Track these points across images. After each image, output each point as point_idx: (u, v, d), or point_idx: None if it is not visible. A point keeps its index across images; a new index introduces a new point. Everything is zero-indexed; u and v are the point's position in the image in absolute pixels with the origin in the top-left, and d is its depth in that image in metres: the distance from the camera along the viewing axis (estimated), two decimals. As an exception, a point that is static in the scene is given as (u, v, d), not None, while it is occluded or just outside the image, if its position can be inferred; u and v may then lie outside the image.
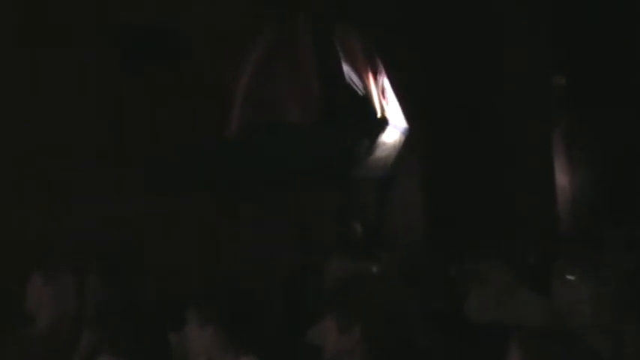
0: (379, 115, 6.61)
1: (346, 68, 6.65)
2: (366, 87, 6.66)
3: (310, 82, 6.50)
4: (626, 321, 3.76)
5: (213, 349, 3.64)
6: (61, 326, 5.75)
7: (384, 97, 6.72)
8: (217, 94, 7.07)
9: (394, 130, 6.77)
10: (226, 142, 6.73)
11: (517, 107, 8.96)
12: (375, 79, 6.79)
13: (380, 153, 6.76)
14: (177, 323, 3.89)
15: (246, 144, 6.65)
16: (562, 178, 9.82)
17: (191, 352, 3.77)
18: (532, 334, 2.65)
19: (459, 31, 7.69)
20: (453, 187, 8.65)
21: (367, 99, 6.64)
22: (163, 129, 7.08)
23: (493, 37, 8.30)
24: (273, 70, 6.62)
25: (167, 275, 6.43)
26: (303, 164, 6.59)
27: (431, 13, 7.34)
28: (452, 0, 7.71)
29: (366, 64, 6.79)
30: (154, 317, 4.26)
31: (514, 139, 9.00)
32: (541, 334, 2.66)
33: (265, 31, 6.78)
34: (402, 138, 6.87)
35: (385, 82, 6.77)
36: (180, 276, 6.35)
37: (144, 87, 7.14)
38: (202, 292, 3.93)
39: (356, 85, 6.65)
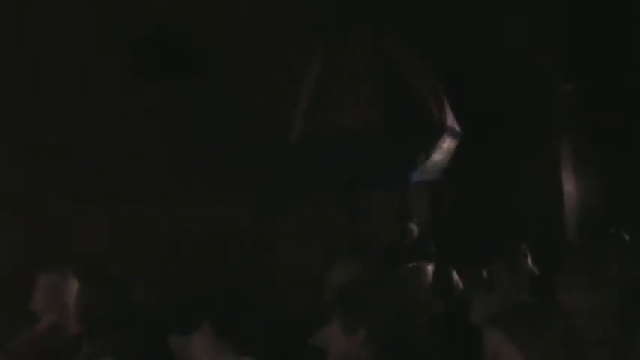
0: (436, 120, 6.72)
1: (403, 75, 6.79)
2: (422, 93, 6.79)
3: (371, 89, 6.67)
4: (629, 332, 3.74)
5: (213, 351, 3.63)
6: (65, 328, 5.74)
7: (439, 102, 6.83)
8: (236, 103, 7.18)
9: (448, 135, 6.86)
10: (291, 146, 6.91)
11: (524, 113, 8.95)
12: (431, 85, 6.89)
13: (435, 157, 6.82)
14: (180, 327, 3.88)
15: (309, 148, 6.81)
16: (569, 185, 9.80)
17: (193, 355, 3.76)
18: (512, 314, 2.63)
19: (469, 36, 7.71)
20: (460, 192, 8.64)
21: (424, 105, 6.72)
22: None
23: (497, 43, 8.29)
24: (334, 78, 6.80)
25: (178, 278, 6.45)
26: (364, 169, 6.74)
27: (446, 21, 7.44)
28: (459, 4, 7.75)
29: (421, 71, 6.94)
30: (155, 320, 4.27)
31: (521, 145, 8.98)
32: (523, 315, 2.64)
33: (323, 41, 6.96)
34: (455, 142, 6.88)
35: (440, 87, 6.91)
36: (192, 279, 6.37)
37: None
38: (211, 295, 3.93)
39: (414, 91, 6.77)
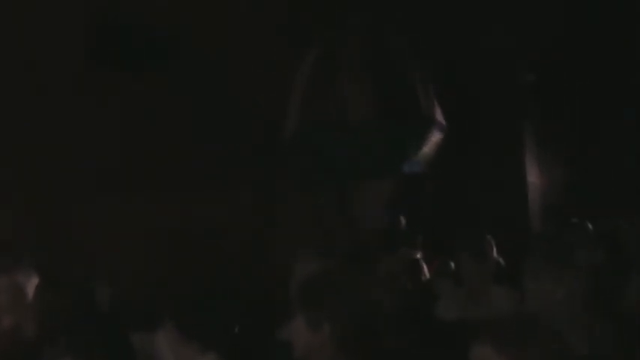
0: (426, 114, 6.92)
1: (395, 70, 7.03)
2: (415, 87, 7.01)
3: (364, 84, 6.93)
4: (597, 318, 3.74)
5: (177, 348, 3.59)
6: (27, 329, 5.67)
7: (428, 97, 7.01)
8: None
9: (436, 128, 6.90)
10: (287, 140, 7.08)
11: (488, 104, 8.98)
12: (420, 80, 7.11)
13: (424, 150, 7.09)
14: (143, 324, 3.84)
15: (304, 142, 6.99)
16: (532, 176, 9.84)
17: (158, 353, 3.72)
18: (500, 327, 2.62)
19: (437, 29, 7.78)
20: (425, 184, 8.66)
21: (415, 99, 6.93)
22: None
23: (468, 34, 8.32)
24: (329, 73, 7.03)
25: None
26: (358, 161, 6.99)
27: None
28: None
29: (414, 67, 7.17)
30: (117, 319, 4.21)
31: (486, 135, 9.02)
32: (509, 327, 2.63)
33: (320, 37, 7.18)
34: (441, 135, 7.11)
35: (429, 82, 7.09)
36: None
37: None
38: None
39: (404, 86, 7.00)
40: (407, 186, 8.73)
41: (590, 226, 7.09)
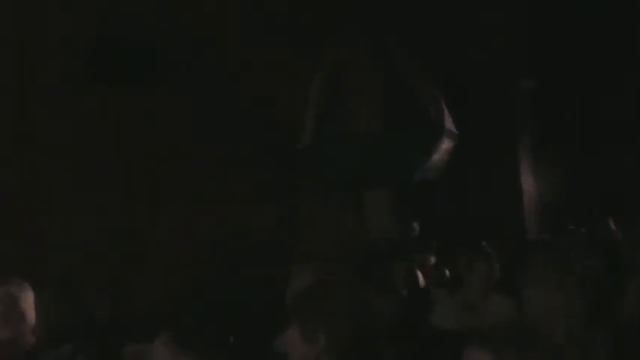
0: (436, 123, 6.95)
1: (405, 80, 7.14)
2: (422, 97, 7.13)
3: (376, 95, 7.03)
4: (592, 327, 3.74)
5: (173, 356, 3.59)
6: (23, 340, 5.65)
7: (438, 105, 6.98)
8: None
9: (447, 136, 7.18)
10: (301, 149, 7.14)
11: (485, 110, 8.98)
12: (429, 88, 7.25)
13: (435, 158, 7.21)
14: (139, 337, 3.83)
15: (317, 153, 7.10)
16: (528, 184, 9.84)
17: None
18: (497, 335, 2.61)
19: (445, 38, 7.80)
20: (421, 191, 8.66)
21: (425, 108, 7.07)
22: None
23: (459, 40, 8.33)
24: (341, 84, 7.13)
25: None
26: (370, 170, 7.09)
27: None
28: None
29: (422, 76, 7.29)
30: (110, 331, 4.20)
31: (480, 142, 9.01)
32: (502, 335, 2.62)
33: (330, 49, 7.23)
34: (452, 143, 7.26)
35: (438, 91, 7.15)
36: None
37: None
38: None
39: (414, 95, 7.11)
40: (418, 194, 8.79)
41: (586, 232, 7.09)
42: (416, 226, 8.58)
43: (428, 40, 8.11)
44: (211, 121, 7.47)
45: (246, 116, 7.64)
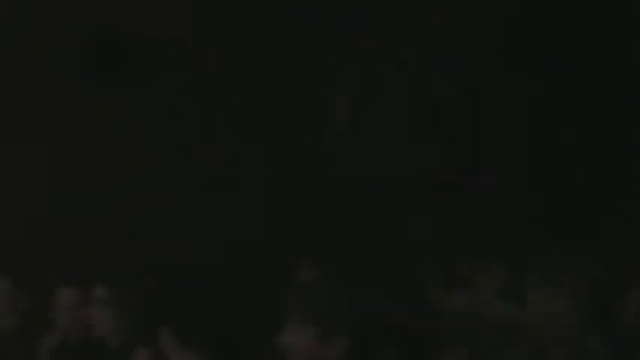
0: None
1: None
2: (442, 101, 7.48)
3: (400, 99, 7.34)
4: (591, 333, 3.74)
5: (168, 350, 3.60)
6: (27, 331, 5.70)
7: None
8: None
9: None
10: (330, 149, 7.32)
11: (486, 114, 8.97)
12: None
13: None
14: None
15: (348, 152, 7.32)
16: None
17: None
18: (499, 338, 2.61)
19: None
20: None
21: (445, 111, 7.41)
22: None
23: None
24: (369, 88, 7.42)
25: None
26: (398, 172, 7.28)
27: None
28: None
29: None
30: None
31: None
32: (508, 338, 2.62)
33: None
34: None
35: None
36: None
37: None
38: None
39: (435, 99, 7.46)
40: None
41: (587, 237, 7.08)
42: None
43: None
44: (219, 120, 7.42)
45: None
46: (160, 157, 7.15)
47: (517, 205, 8.16)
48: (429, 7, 7.48)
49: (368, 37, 7.40)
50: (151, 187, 7.05)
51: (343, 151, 7.40)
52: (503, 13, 7.69)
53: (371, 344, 3.22)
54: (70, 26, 6.96)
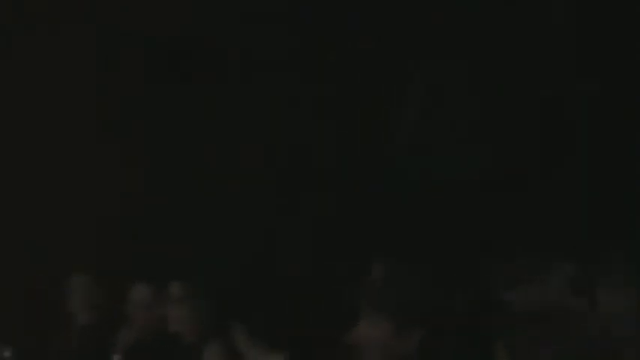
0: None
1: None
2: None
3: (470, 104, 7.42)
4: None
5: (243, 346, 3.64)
6: (103, 325, 5.83)
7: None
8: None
9: None
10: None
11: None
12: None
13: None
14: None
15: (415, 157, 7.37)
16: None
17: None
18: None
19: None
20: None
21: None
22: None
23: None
24: (437, 94, 7.46)
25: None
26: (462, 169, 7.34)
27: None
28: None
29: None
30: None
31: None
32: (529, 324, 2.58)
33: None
34: None
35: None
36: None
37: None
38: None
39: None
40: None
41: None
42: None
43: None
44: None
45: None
46: (237, 157, 7.22)
47: (587, 202, 8.07)
48: (494, 12, 7.46)
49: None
50: (226, 186, 7.12)
51: (411, 152, 7.40)
52: (571, 14, 7.62)
53: (442, 337, 3.24)
54: (142, 32, 7.05)
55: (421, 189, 7.35)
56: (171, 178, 7.05)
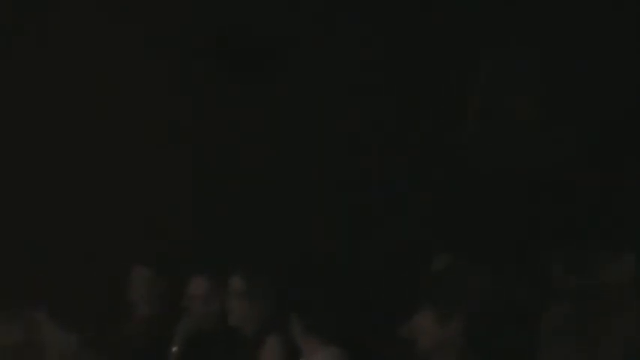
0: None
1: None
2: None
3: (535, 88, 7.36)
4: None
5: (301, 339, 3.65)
6: (163, 317, 5.88)
7: None
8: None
9: None
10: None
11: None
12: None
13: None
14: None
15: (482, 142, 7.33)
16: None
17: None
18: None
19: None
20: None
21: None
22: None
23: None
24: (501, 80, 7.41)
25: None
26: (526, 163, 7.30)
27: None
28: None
29: None
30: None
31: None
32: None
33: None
34: None
35: None
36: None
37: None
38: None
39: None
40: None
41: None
42: None
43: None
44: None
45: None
46: (301, 156, 7.22)
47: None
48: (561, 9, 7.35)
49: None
50: (291, 183, 7.13)
51: (476, 147, 7.35)
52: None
53: (496, 326, 3.21)
54: (201, 27, 7.07)
55: (487, 179, 7.29)
56: (233, 172, 7.07)
